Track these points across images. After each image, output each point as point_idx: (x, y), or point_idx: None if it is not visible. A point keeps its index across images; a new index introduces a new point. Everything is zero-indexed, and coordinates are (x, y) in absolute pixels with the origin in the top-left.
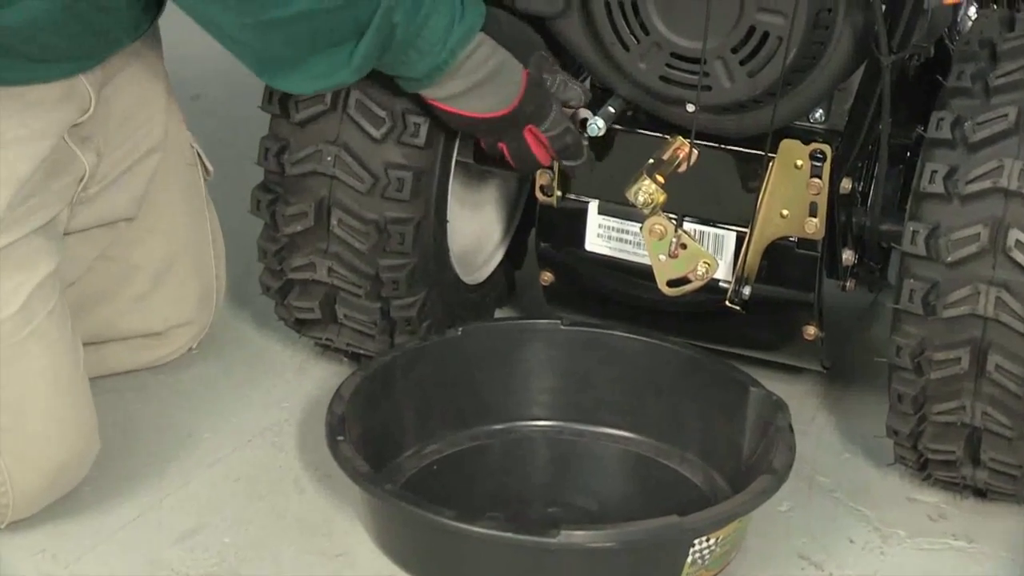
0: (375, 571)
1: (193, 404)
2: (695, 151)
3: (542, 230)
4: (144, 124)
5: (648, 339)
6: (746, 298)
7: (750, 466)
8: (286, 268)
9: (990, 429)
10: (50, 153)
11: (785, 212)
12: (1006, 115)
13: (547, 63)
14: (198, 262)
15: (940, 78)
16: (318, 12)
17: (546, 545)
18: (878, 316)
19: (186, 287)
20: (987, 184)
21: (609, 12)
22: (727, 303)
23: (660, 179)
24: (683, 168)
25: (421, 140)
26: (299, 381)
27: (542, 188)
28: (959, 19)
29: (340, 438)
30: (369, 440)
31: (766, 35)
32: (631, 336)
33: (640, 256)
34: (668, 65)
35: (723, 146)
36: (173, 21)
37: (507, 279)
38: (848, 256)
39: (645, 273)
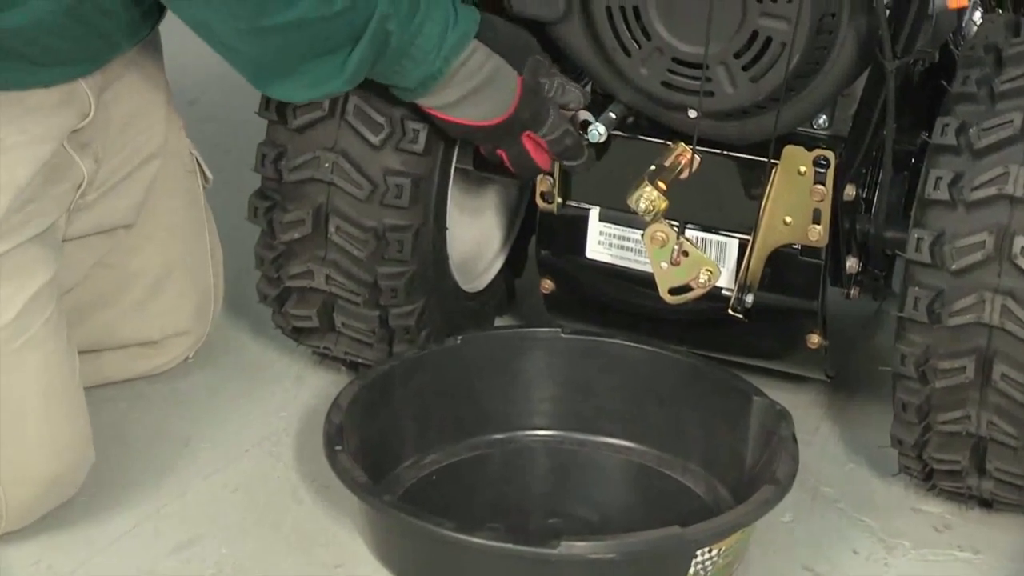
0: None
1: (190, 414)
2: (697, 157)
3: (542, 237)
4: (144, 130)
5: (650, 348)
6: (749, 306)
7: (753, 476)
8: (283, 276)
9: (995, 439)
10: (49, 159)
11: (788, 219)
12: (1011, 121)
13: (543, 67)
14: (196, 271)
15: (945, 83)
16: (313, 20)
17: (547, 556)
18: (882, 324)
19: (184, 296)
20: (992, 191)
21: (610, 17)
22: (730, 311)
23: (662, 186)
24: (685, 175)
25: (420, 146)
26: (297, 390)
27: (542, 195)
28: (964, 24)
29: (338, 448)
30: (368, 450)
31: (769, 40)
32: (633, 345)
33: (642, 264)
34: (670, 70)
35: (725, 152)
36: (170, 26)
37: (507, 287)
38: (852, 264)
39: (647, 281)
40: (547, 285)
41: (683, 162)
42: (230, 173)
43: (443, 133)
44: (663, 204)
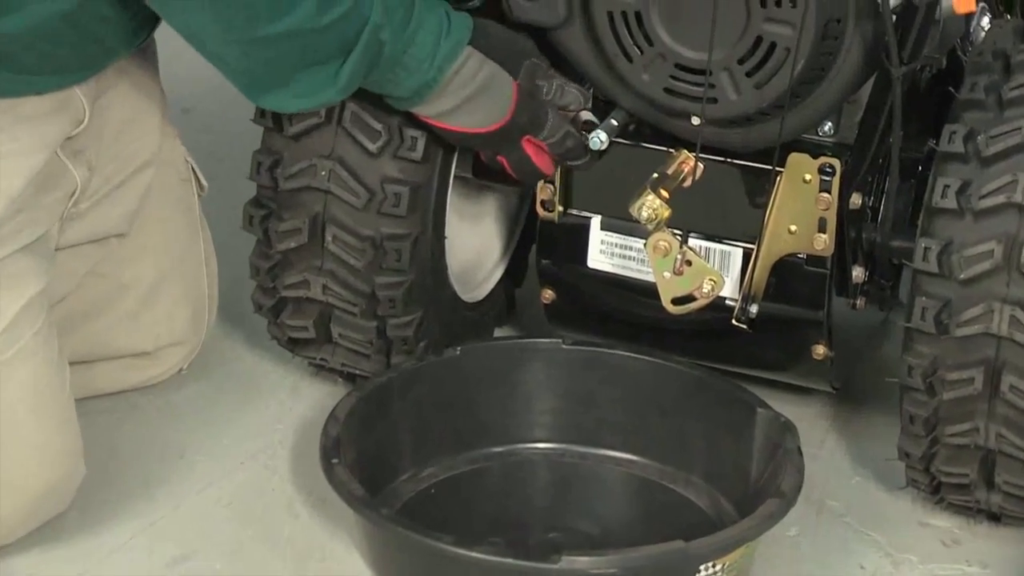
0: None
1: (184, 426)
2: (700, 165)
3: (543, 246)
4: (138, 138)
5: (652, 359)
6: (753, 316)
7: (757, 490)
8: (279, 286)
9: (1004, 451)
10: (42, 167)
11: (793, 228)
12: (1020, 128)
13: (541, 69)
14: (190, 281)
15: (952, 90)
16: (305, 31)
17: (547, 571)
18: (889, 335)
19: (178, 306)
20: (1001, 199)
21: (612, 22)
22: (734, 321)
23: (664, 194)
24: (688, 183)
25: (418, 154)
26: (292, 402)
27: (543, 203)
28: (972, 29)
29: (335, 461)
30: (365, 463)
31: (773, 46)
32: (635, 356)
33: (644, 273)
34: (673, 77)
35: (729, 160)
36: (164, 33)
37: (507, 297)
38: (858, 273)
39: (649, 291)
40: (548, 295)
41: (686, 170)
42: (225, 181)
43: (442, 140)
44: (666, 213)
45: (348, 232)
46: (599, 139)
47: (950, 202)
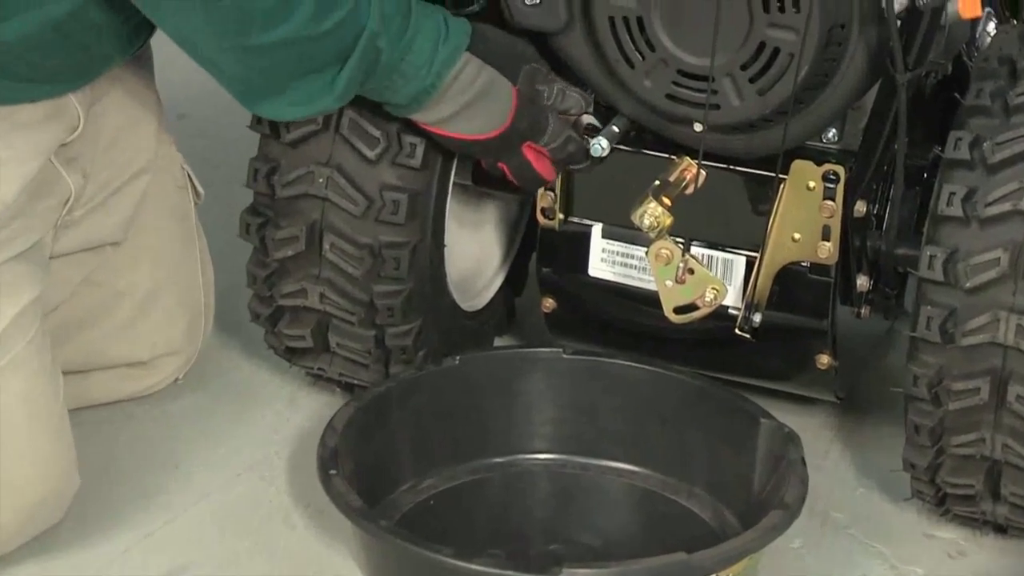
0: None
1: (180, 436)
2: (703, 172)
3: (543, 254)
4: (133, 145)
5: (654, 368)
6: (756, 325)
7: (761, 501)
8: (276, 294)
9: (1011, 462)
10: (36, 174)
11: (797, 236)
12: None
13: (540, 74)
14: (186, 289)
15: (958, 96)
16: (300, 39)
17: None
18: (894, 344)
19: (173, 315)
20: (1007, 207)
21: (613, 27)
22: (737, 331)
23: (667, 201)
24: (690, 190)
25: (417, 161)
26: (290, 412)
27: (544, 210)
28: (977, 35)
29: (333, 472)
30: (363, 474)
31: (777, 51)
32: (636, 365)
33: (646, 282)
34: (675, 83)
35: (732, 167)
36: (160, 40)
37: (507, 306)
38: (863, 282)
39: (651, 299)
40: (548, 304)
41: (688, 177)
42: (221, 188)
43: (441, 146)
44: (668, 220)
45: (346, 240)
46: (600, 145)
47: (956, 210)
